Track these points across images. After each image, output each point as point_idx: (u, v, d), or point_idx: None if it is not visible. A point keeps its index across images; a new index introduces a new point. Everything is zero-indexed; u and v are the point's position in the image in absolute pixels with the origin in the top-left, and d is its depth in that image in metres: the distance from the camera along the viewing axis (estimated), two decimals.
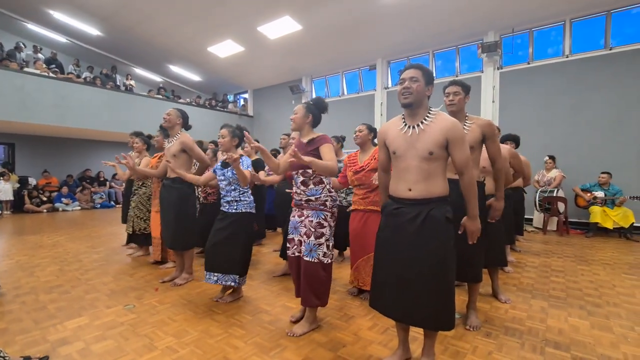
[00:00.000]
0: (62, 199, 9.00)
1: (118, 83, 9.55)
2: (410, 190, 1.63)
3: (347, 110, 9.71)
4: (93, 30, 8.90)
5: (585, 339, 2.11)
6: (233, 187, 2.62)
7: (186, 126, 3.14)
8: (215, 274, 2.60)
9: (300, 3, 6.98)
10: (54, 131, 8.82)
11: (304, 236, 2.13)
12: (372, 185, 2.65)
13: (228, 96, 13.04)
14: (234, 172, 2.57)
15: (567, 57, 6.70)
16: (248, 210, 2.66)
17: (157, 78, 12.17)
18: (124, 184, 4.61)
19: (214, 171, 2.76)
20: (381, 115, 9.04)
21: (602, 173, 5.73)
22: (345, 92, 10.20)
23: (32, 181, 9.16)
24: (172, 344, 2.03)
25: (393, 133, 1.72)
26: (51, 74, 7.72)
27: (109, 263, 3.80)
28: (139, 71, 11.65)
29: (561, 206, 5.80)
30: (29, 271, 3.47)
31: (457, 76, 8.11)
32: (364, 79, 9.82)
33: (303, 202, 2.18)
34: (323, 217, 2.15)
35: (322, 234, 2.12)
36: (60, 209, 8.85)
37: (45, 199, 8.83)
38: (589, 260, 4.07)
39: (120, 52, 10.32)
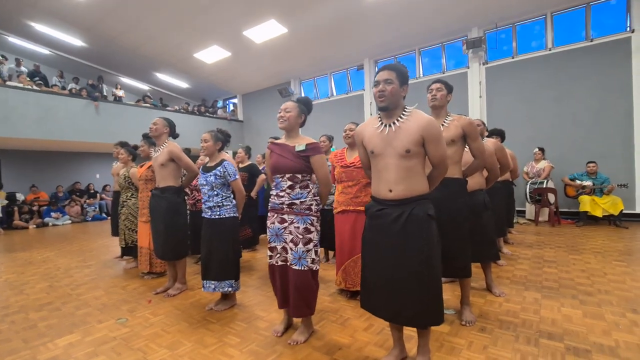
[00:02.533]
0: (52, 214, 8.85)
1: (105, 93, 9.44)
2: (390, 191, 1.63)
3: (336, 111, 9.72)
4: (76, 41, 8.79)
5: (578, 328, 2.13)
6: (215, 193, 2.58)
7: (173, 135, 3.10)
8: (212, 282, 2.58)
9: (285, 6, 6.98)
10: (40, 145, 8.68)
11: (290, 243, 2.04)
12: (361, 183, 2.65)
13: (218, 102, 12.98)
14: (217, 176, 2.55)
15: (550, 50, 6.81)
16: (232, 215, 2.63)
17: (144, 87, 12.07)
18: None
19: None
20: (371, 114, 9.07)
21: (589, 162, 5.83)
22: (334, 93, 10.22)
23: (20, 197, 8.99)
24: (166, 356, 2.00)
25: (369, 132, 1.72)
26: (35, 87, 7.61)
27: (100, 277, 3.74)
28: (126, 80, 11.54)
29: (551, 197, 5.88)
30: (18, 289, 3.40)
31: (443, 73, 8.18)
32: (352, 79, 9.86)
33: (285, 207, 2.05)
34: (310, 222, 2.06)
35: (310, 240, 2.04)
36: (50, 223, 8.69)
37: (34, 210, 8.67)
38: (580, 249, 4.13)
39: (106, 62, 10.21)
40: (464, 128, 2.16)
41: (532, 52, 7.07)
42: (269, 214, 2.16)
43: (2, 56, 8.36)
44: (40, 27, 8.16)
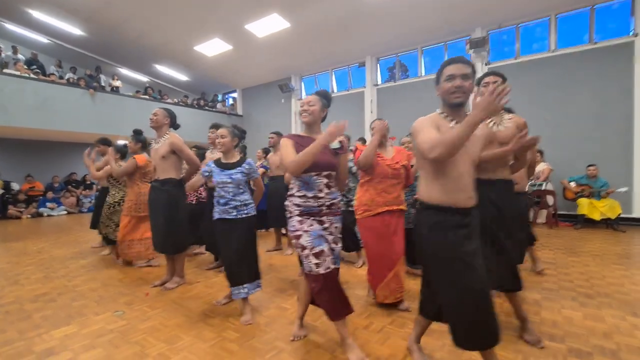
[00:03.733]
0: (47, 204, 8.76)
1: (103, 84, 9.33)
2: (470, 198, 1.51)
3: (337, 108, 9.65)
4: (75, 30, 8.66)
5: (579, 330, 2.13)
6: (242, 190, 2.44)
7: (174, 126, 3.06)
8: (245, 286, 2.39)
9: (288, 0, 6.91)
10: (36, 134, 8.57)
11: (332, 244, 1.91)
12: (402, 182, 2.57)
13: (217, 96, 12.89)
14: (243, 173, 2.43)
15: (552, 52, 6.80)
16: (254, 212, 2.50)
17: (143, 78, 11.94)
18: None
19: (205, 173, 2.51)
20: (371, 112, 9.04)
21: (589, 166, 5.84)
22: (335, 90, 10.17)
23: (15, 186, 8.89)
24: (164, 350, 1.98)
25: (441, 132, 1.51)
26: (32, 75, 7.49)
27: (97, 269, 3.70)
28: (125, 71, 11.40)
29: (550, 199, 5.89)
30: (13, 280, 3.35)
31: None
32: (353, 76, 9.81)
33: (324, 208, 1.89)
34: (342, 220, 2.02)
35: (341, 239, 2.01)
36: (45, 214, 8.61)
37: (30, 200, 8.58)
38: (578, 251, 4.14)
39: (104, 52, 10.07)
40: (520, 128, 2.06)
41: (534, 54, 7.05)
42: (298, 217, 1.88)
43: None
44: (38, 15, 8.02)
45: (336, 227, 1.94)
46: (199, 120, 10.00)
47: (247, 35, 8.23)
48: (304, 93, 10.89)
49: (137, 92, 10.03)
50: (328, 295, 1.83)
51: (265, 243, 4.89)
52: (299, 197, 1.89)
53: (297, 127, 10.68)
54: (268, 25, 7.80)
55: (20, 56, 8.51)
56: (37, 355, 1.94)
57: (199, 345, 2.03)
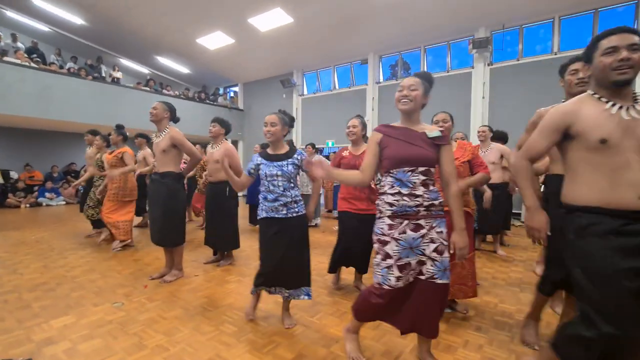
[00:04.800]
0: (46, 194, 8.75)
1: (104, 74, 9.28)
2: None
3: (339, 105, 9.67)
4: (76, 19, 8.59)
5: None
6: (292, 185, 2.16)
7: (174, 119, 3.06)
8: (287, 290, 2.19)
9: None
10: (36, 123, 8.53)
11: (434, 253, 1.58)
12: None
13: (219, 89, 12.84)
14: (295, 166, 2.15)
15: (555, 54, 6.79)
16: (304, 210, 2.23)
17: (144, 70, 11.87)
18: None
19: (251, 170, 2.21)
20: (372, 110, 9.04)
21: None
22: (337, 87, 10.14)
23: (14, 175, 8.87)
24: (162, 342, 2.00)
25: (592, 113, 1.27)
26: (33, 64, 7.45)
27: (96, 260, 3.71)
28: (126, 62, 11.34)
29: None
30: (12, 268, 3.36)
31: (448, 72, 8.14)
32: (355, 73, 9.79)
33: (422, 210, 1.58)
34: (445, 224, 1.65)
35: (448, 246, 1.65)
36: (44, 203, 8.60)
37: (27, 187, 8.58)
38: None
39: (106, 42, 10.01)
40: None
41: (537, 56, 7.04)
42: (389, 220, 1.60)
43: None
44: (39, 2, 7.96)
45: (438, 232, 1.60)
46: (199, 113, 9.97)
47: (250, 29, 8.19)
48: (305, 89, 10.86)
49: (138, 83, 9.97)
50: (384, 307, 1.63)
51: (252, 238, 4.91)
52: (392, 194, 1.60)
53: (298, 124, 10.68)
54: (271, 20, 7.76)
55: (19, 44, 8.43)
56: (36, 344, 1.95)
57: (197, 337, 2.05)
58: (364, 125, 2.74)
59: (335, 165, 2.74)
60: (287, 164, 2.13)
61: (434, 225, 1.59)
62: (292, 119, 2.34)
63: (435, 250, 1.58)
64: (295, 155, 2.17)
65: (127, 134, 4.30)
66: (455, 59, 8.27)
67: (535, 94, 6.92)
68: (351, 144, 2.81)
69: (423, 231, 1.57)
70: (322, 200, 7.46)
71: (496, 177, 3.83)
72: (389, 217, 1.60)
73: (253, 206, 5.29)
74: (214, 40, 9.04)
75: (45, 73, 7.40)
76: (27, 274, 3.21)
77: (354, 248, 2.66)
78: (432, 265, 1.58)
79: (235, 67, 10.99)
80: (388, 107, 8.76)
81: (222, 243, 3.53)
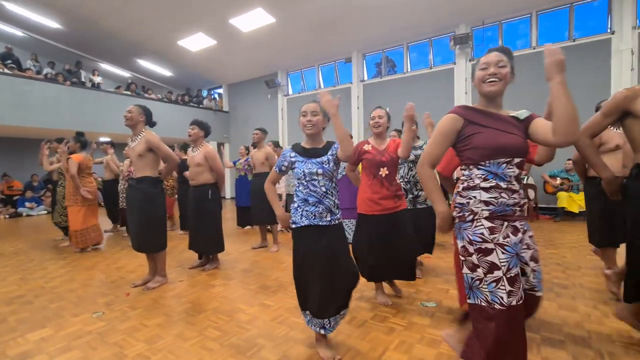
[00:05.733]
0: (26, 203, 8.51)
1: (83, 79, 9.06)
2: None
3: None
4: (52, 23, 8.37)
5: (553, 320, 2.19)
6: (333, 185, 1.82)
7: (150, 123, 2.99)
8: (331, 320, 1.79)
9: None
10: (13, 132, 8.28)
11: (532, 262, 1.34)
12: None
13: (202, 91, 12.69)
14: (334, 159, 1.80)
15: (534, 48, 6.93)
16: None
17: (125, 73, 11.65)
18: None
19: (282, 167, 1.85)
20: (357, 108, 9.06)
21: (569, 159, 6.00)
22: (322, 86, 10.14)
23: None
24: (143, 350, 1.95)
25: None
26: (7, 71, 7.22)
27: (76, 269, 3.62)
28: (106, 66, 11.11)
29: (531, 193, 6.03)
30: None
31: (431, 68, 8.22)
32: (339, 72, 9.80)
33: (517, 209, 1.31)
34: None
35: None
36: (25, 213, 8.36)
37: (5, 197, 8.32)
38: (557, 244, 4.26)
39: (84, 46, 9.78)
40: None
41: (517, 50, 7.17)
42: (489, 222, 1.28)
43: None
44: (12, 7, 7.72)
45: (531, 237, 1.36)
46: (182, 116, 9.82)
47: (232, 30, 8.12)
48: (290, 89, 10.82)
49: (118, 87, 9.77)
50: (509, 336, 1.22)
51: (251, 240, 4.87)
52: (487, 189, 1.29)
53: (284, 124, 10.64)
54: (253, 20, 7.71)
55: None
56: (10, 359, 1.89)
57: (179, 344, 2.01)
58: (389, 117, 2.48)
59: (356, 161, 2.50)
60: (327, 159, 1.79)
61: (526, 228, 1.35)
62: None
63: (531, 258, 1.34)
64: (333, 148, 1.83)
65: (89, 140, 4.63)
66: (438, 56, 8.38)
67: (515, 88, 7.02)
68: (374, 137, 2.51)
69: (520, 235, 1.30)
70: None
71: None
72: (486, 218, 1.28)
73: (241, 208, 5.24)
74: (196, 42, 8.94)
75: (22, 79, 7.18)
76: (3, 287, 3.10)
77: (392, 258, 2.34)
78: (533, 278, 1.34)
79: (219, 68, 10.88)
80: (373, 104, 8.76)
81: (207, 246, 3.48)
